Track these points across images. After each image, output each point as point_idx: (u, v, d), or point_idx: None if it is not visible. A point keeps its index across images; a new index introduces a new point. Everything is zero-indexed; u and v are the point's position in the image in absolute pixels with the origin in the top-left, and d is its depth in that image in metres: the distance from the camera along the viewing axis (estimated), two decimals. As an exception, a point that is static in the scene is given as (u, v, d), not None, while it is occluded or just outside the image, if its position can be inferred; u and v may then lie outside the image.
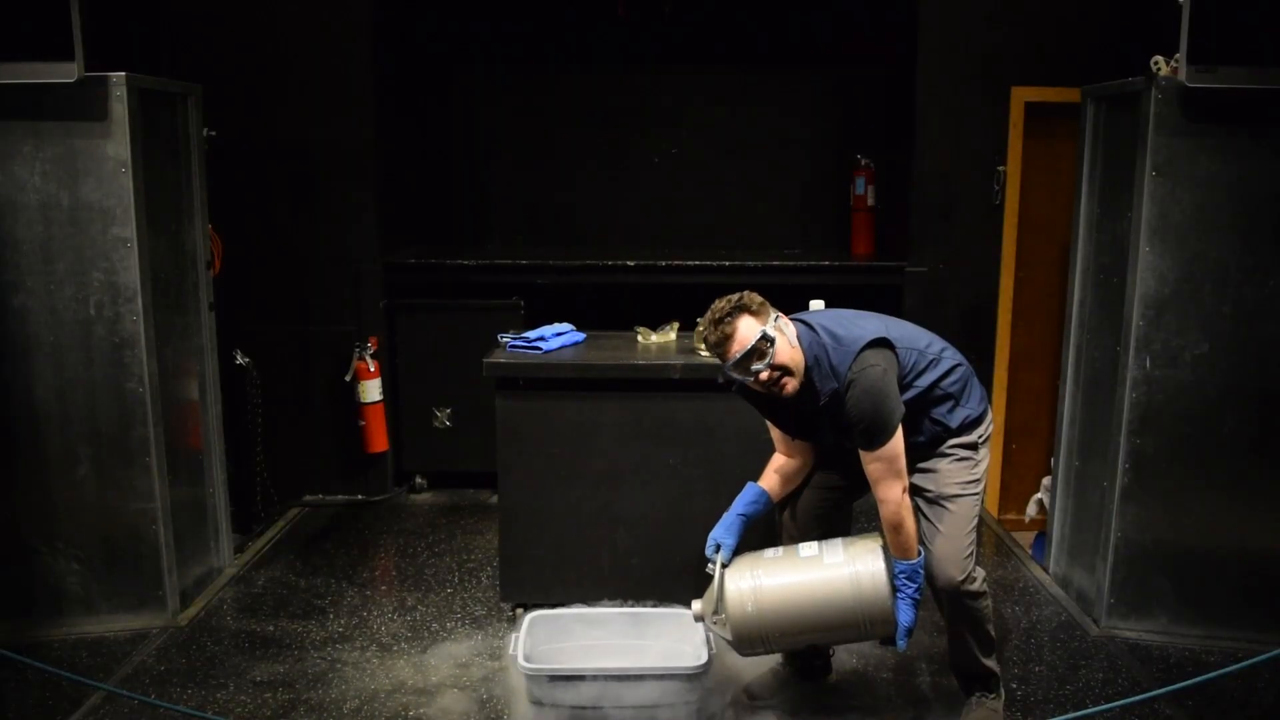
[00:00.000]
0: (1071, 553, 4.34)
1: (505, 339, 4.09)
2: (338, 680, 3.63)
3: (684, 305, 4.43)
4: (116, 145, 3.76)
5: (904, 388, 3.09)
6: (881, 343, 3.07)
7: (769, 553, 3.22)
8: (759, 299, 3.08)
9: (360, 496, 5.44)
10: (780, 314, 3.12)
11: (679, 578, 3.76)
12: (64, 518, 3.93)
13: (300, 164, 5.17)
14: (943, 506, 3.15)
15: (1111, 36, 5.02)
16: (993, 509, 5.38)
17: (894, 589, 3.07)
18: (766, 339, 3.00)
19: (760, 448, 3.46)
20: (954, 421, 3.16)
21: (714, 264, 5.30)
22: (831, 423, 3.12)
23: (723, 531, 3.26)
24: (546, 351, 3.99)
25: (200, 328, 4.38)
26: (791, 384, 3.04)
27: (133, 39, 4.63)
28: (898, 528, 3.03)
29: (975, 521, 3.18)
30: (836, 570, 3.11)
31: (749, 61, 5.77)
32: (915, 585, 3.07)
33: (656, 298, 4.99)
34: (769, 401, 3.19)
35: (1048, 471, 4.88)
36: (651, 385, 3.86)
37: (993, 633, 3.26)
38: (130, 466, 3.93)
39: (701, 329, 3.15)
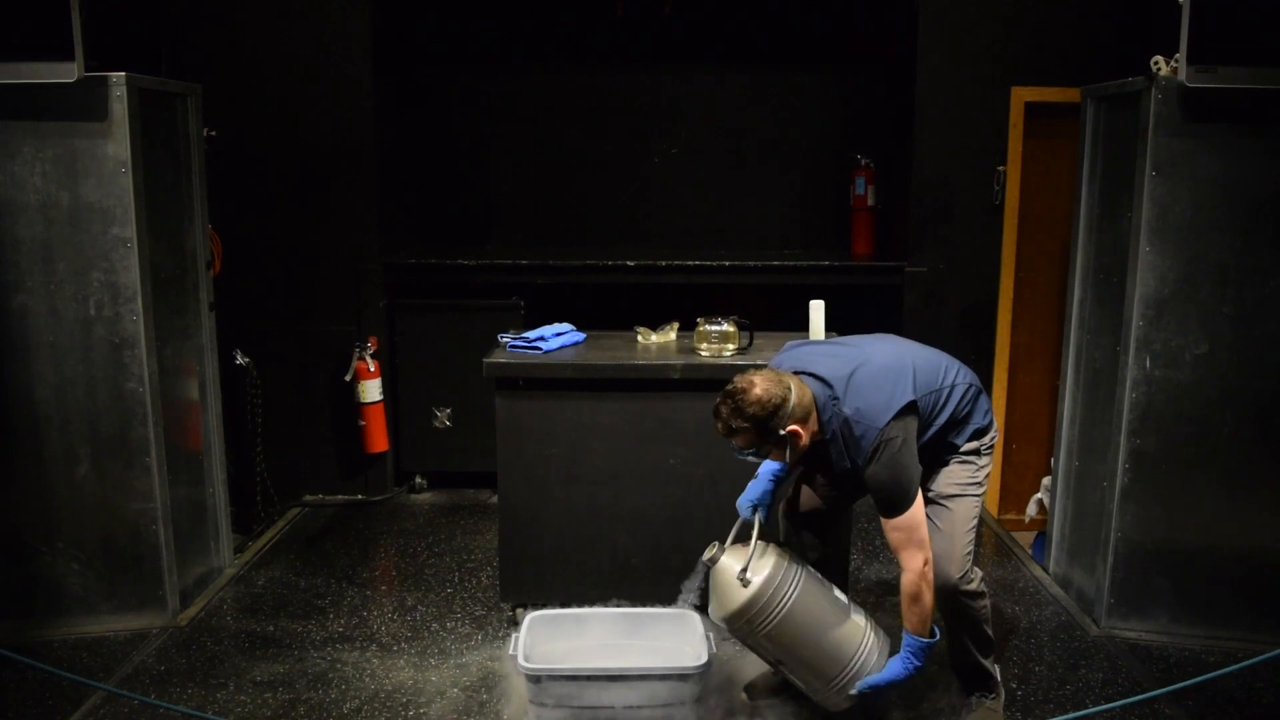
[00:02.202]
0: (1071, 553, 4.34)
1: (505, 339, 4.09)
2: (338, 680, 3.63)
3: (684, 305, 4.43)
4: (116, 145, 3.76)
5: (925, 427, 3.08)
6: (906, 410, 2.99)
7: (814, 570, 3.24)
8: (774, 400, 2.92)
9: (360, 496, 5.44)
10: (794, 393, 2.95)
11: (679, 578, 3.73)
12: (64, 518, 3.93)
13: (300, 164, 5.17)
14: (942, 505, 3.15)
15: (1111, 36, 5.02)
16: (993, 509, 5.37)
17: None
18: (760, 451, 3.02)
19: (760, 448, 3.46)
20: (961, 439, 3.19)
21: (714, 264, 5.30)
22: (845, 478, 3.16)
23: (758, 492, 3.24)
24: (546, 351, 3.98)
25: (200, 328, 4.38)
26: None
27: (133, 39, 4.63)
28: (916, 598, 3.00)
29: (975, 522, 3.19)
30: (860, 623, 3.16)
31: (749, 61, 5.77)
32: (918, 663, 3.05)
33: (656, 298, 4.99)
34: None
35: (1048, 471, 4.88)
36: (651, 385, 3.86)
37: (991, 633, 3.26)
38: (130, 466, 3.93)
39: (718, 406, 3.00)
